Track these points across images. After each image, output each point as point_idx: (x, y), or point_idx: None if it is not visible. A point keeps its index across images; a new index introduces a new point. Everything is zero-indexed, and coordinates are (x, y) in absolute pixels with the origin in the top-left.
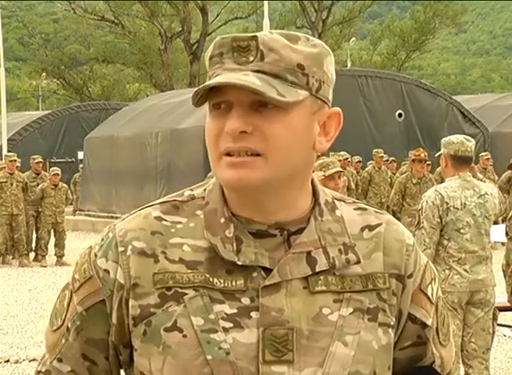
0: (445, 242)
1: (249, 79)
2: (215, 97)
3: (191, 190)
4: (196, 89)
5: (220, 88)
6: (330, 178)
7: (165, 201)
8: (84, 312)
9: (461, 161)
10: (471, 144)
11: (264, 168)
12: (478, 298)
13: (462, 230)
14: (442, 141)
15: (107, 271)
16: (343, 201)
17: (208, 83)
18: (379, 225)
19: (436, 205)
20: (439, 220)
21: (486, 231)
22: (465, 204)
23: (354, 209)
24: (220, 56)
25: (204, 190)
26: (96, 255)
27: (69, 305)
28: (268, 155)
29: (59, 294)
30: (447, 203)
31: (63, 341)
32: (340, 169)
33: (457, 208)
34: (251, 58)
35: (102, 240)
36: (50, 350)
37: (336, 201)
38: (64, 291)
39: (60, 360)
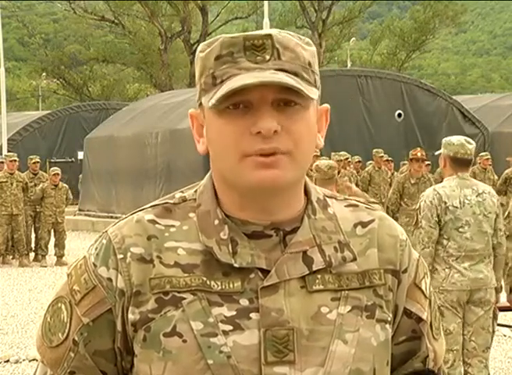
0: (444, 242)
1: (280, 76)
2: (234, 97)
3: (182, 192)
4: (225, 90)
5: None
6: None
7: (156, 205)
8: (91, 322)
9: (460, 163)
10: (472, 146)
11: (291, 167)
12: (478, 297)
13: (461, 229)
14: (443, 140)
15: (110, 279)
16: (334, 198)
17: (248, 81)
18: (372, 221)
19: (434, 205)
20: (437, 219)
21: (487, 229)
22: (464, 202)
23: (346, 206)
24: (231, 55)
25: (195, 191)
26: (95, 265)
27: (70, 318)
28: (293, 154)
29: (48, 309)
30: (445, 202)
31: (72, 354)
32: None
33: (456, 207)
34: (267, 57)
35: (96, 248)
36: (53, 366)
37: (327, 198)
38: (56, 304)
39: (72, 373)
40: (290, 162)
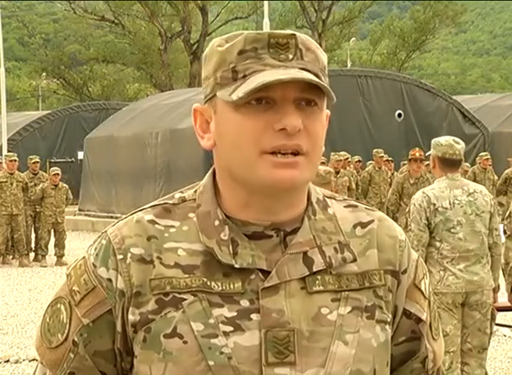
0: (437, 244)
1: (309, 75)
2: (257, 93)
3: (181, 192)
4: (256, 84)
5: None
6: None
7: (155, 205)
8: (91, 323)
9: (448, 163)
10: (460, 146)
11: (307, 168)
12: (474, 300)
13: (453, 230)
14: (432, 141)
15: (110, 280)
16: (334, 198)
17: (282, 77)
18: (371, 222)
19: (423, 207)
20: (426, 222)
21: (481, 229)
22: (454, 203)
23: (345, 207)
24: (254, 51)
25: (195, 192)
26: (95, 265)
27: (70, 318)
28: (310, 154)
29: (47, 309)
30: (434, 204)
31: (71, 355)
32: None
33: (446, 208)
34: (291, 56)
35: (96, 248)
36: (53, 367)
37: (326, 199)
38: (55, 305)
39: (72, 373)
40: (307, 163)
